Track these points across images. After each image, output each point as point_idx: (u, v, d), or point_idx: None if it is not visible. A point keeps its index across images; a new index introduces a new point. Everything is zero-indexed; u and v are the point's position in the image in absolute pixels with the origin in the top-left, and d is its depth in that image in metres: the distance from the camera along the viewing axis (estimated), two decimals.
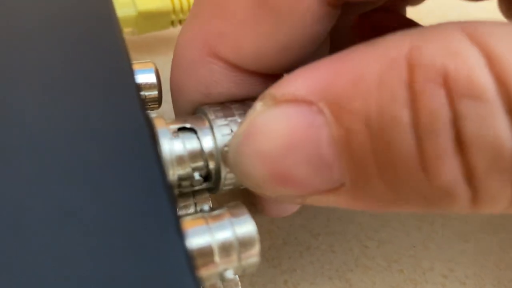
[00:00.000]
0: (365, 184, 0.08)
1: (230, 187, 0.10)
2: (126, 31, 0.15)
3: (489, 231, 0.13)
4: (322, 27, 0.09)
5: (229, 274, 0.08)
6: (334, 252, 0.12)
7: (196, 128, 0.09)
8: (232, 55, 0.10)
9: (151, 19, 0.15)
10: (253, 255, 0.08)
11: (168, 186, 0.07)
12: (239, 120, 0.09)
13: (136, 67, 0.10)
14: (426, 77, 0.07)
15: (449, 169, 0.07)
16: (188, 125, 0.09)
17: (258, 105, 0.08)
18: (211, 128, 0.09)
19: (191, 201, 0.10)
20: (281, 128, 0.08)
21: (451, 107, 0.07)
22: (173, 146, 0.09)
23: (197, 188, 0.09)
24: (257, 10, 0.09)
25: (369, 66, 0.07)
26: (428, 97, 0.07)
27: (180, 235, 0.07)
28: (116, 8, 0.14)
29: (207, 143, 0.09)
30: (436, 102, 0.07)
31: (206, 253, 0.08)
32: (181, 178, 0.09)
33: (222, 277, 0.08)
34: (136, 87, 0.08)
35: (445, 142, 0.07)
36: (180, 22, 0.15)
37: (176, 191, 0.09)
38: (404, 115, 0.07)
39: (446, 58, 0.07)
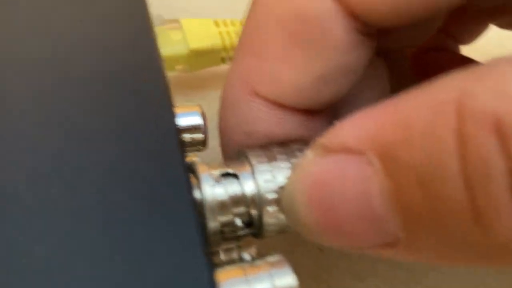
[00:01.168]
0: (419, 239, 0.07)
1: (274, 233, 0.09)
2: (178, 68, 0.15)
3: None
4: (357, 57, 0.09)
5: None
6: None
7: (238, 173, 0.09)
8: (270, 92, 0.10)
9: (202, 57, 0.15)
10: None
11: (201, 235, 0.07)
12: (281, 166, 0.09)
13: (182, 110, 0.10)
14: (476, 123, 0.07)
15: (507, 222, 0.07)
16: (230, 171, 0.09)
17: (309, 154, 0.08)
18: (253, 173, 0.09)
19: (234, 245, 0.10)
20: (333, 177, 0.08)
21: (505, 153, 0.06)
22: (215, 191, 0.09)
23: (241, 233, 0.09)
24: (290, 45, 0.09)
25: (417, 112, 0.07)
26: (479, 144, 0.06)
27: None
28: (168, 46, 0.15)
29: (249, 188, 0.09)
30: (487, 148, 0.06)
31: None
32: (223, 224, 0.09)
33: None
34: (175, 132, 0.08)
35: (500, 192, 0.07)
36: (230, 59, 0.16)
37: (219, 237, 0.09)
38: (453, 163, 0.07)
39: (497, 100, 0.06)
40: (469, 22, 0.14)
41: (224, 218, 0.09)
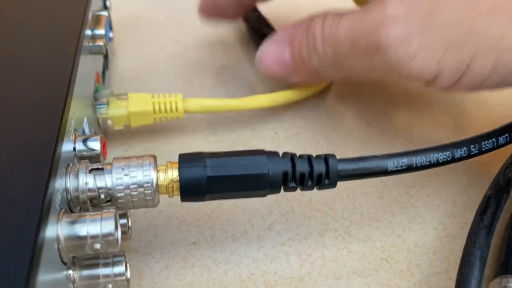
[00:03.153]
0: (300, 71, 0.23)
1: (126, 208, 0.16)
2: (122, 124, 0.23)
3: None
4: None
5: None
6: None
7: (104, 167, 0.16)
8: None
9: (138, 117, 0.23)
10: None
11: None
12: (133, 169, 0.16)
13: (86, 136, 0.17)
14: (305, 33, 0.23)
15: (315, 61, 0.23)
16: (99, 166, 0.16)
17: (264, 44, 0.24)
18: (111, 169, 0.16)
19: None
20: (270, 51, 0.24)
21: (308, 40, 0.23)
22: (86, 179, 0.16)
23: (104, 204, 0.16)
24: None
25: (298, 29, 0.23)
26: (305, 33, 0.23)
27: None
28: (116, 109, 0.22)
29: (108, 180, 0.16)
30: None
31: None
32: (91, 198, 0.16)
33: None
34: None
35: (315, 48, 0.22)
36: (161, 119, 0.23)
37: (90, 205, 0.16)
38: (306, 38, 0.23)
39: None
40: None
41: (91, 194, 0.16)
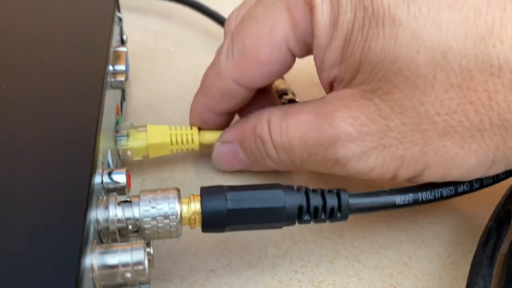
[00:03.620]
0: (254, 164, 0.24)
1: (151, 238, 0.17)
2: (141, 155, 0.24)
3: None
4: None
5: None
6: None
7: (132, 200, 0.17)
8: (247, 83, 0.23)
9: (156, 148, 0.24)
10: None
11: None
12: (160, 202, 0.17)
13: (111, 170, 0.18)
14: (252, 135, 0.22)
15: (270, 162, 0.23)
16: (128, 199, 0.17)
17: (217, 144, 0.24)
18: (139, 202, 0.17)
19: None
20: (224, 152, 0.24)
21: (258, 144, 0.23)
22: (116, 211, 0.17)
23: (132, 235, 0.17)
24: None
25: (246, 127, 0.23)
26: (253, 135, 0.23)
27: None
28: (135, 141, 0.23)
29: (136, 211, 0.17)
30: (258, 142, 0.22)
31: None
32: (120, 228, 0.17)
33: None
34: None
35: (266, 151, 0.22)
36: (177, 150, 0.24)
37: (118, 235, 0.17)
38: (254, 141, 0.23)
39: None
40: None
41: (120, 225, 0.17)
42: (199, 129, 0.25)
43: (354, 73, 0.19)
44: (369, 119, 0.18)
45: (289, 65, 0.22)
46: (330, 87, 0.21)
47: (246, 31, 0.21)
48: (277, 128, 0.21)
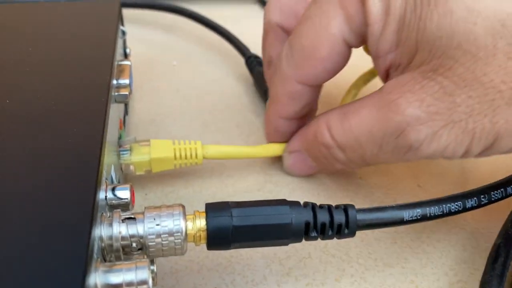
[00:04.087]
0: (323, 166, 0.24)
1: (155, 255, 0.17)
2: (144, 169, 0.24)
3: None
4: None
5: None
6: None
7: (136, 217, 0.17)
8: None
9: (159, 163, 0.24)
10: None
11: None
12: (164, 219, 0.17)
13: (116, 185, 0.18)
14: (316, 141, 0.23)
15: (332, 166, 0.24)
16: (131, 215, 0.17)
17: (285, 155, 0.26)
18: (143, 219, 0.17)
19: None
20: (293, 161, 0.26)
21: (323, 147, 0.23)
22: (120, 228, 0.16)
23: (136, 252, 0.17)
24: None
25: (308, 134, 0.24)
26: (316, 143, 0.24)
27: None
28: (138, 155, 0.23)
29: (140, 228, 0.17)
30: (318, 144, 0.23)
31: None
32: (124, 246, 0.16)
33: None
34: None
35: (328, 153, 0.23)
36: (180, 165, 0.24)
37: (122, 253, 0.16)
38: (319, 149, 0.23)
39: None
40: None
41: (124, 243, 0.16)
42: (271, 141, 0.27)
43: (411, 56, 0.19)
44: (435, 98, 0.18)
45: (347, 57, 0.22)
46: (386, 74, 0.22)
47: (303, 32, 0.22)
48: (339, 130, 0.22)
